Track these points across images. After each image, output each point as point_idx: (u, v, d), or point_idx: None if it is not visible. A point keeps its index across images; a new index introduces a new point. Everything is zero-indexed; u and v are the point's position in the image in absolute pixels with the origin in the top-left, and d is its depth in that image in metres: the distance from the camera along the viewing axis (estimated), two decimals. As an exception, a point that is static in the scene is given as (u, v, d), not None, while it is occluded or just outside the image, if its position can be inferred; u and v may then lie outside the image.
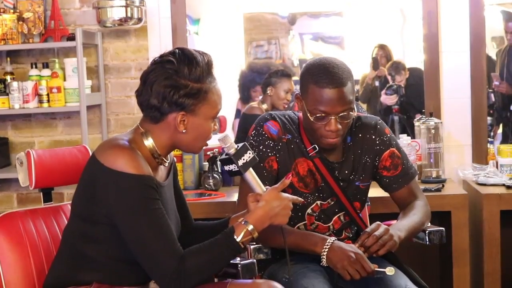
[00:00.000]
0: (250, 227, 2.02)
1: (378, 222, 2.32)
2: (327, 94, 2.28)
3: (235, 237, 2.00)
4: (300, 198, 2.17)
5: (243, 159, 2.09)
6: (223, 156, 2.12)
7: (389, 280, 2.32)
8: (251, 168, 2.11)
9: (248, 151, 2.11)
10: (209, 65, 2.08)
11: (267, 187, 2.13)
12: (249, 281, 2.20)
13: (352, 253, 2.22)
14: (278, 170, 2.44)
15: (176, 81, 2.02)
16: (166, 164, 2.16)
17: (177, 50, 2.08)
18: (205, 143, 2.14)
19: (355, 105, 2.35)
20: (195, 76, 2.04)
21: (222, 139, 2.10)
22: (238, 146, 2.10)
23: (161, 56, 2.08)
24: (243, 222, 2.03)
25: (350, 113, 2.33)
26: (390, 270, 2.23)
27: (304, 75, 2.37)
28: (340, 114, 2.31)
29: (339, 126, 2.32)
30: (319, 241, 2.30)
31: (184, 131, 2.06)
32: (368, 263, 2.22)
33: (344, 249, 2.24)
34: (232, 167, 2.10)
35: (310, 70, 2.35)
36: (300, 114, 2.49)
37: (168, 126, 2.07)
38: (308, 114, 2.34)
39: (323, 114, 2.31)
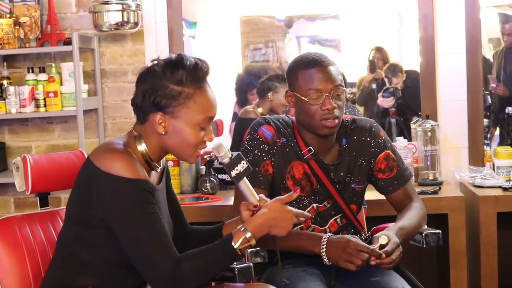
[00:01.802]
0: (248, 234, 2.01)
1: (392, 239, 2.27)
2: (317, 73, 2.40)
3: (233, 243, 2.00)
4: (306, 214, 2.15)
5: (237, 170, 2.06)
6: (217, 165, 2.10)
7: (386, 282, 2.33)
8: (245, 178, 2.09)
9: (242, 161, 2.07)
10: (198, 71, 2.05)
11: (261, 195, 2.13)
12: (246, 284, 2.20)
13: (345, 244, 2.23)
14: (273, 174, 2.45)
15: (157, 82, 2.03)
16: (158, 170, 2.15)
17: (173, 55, 2.09)
18: (193, 150, 2.08)
19: (345, 87, 2.45)
20: (177, 78, 2.03)
21: (216, 148, 2.07)
22: (232, 155, 2.07)
23: (155, 60, 2.09)
24: (242, 229, 2.02)
25: (341, 92, 2.41)
26: (383, 239, 2.22)
27: (291, 69, 2.48)
28: (332, 92, 2.38)
29: (334, 105, 2.38)
30: (316, 241, 2.30)
31: (163, 132, 2.05)
32: (364, 245, 2.22)
33: (337, 243, 2.26)
34: (226, 176, 2.08)
35: (295, 62, 2.48)
36: (294, 118, 2.50)
37: (152, 127, 2.06)
38: (303, 99, 2.39)
39: (316, 93, 2.38)
